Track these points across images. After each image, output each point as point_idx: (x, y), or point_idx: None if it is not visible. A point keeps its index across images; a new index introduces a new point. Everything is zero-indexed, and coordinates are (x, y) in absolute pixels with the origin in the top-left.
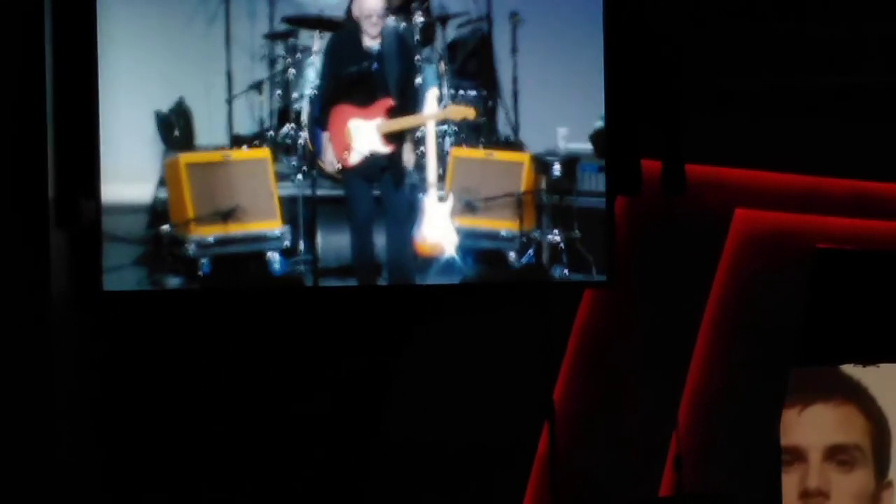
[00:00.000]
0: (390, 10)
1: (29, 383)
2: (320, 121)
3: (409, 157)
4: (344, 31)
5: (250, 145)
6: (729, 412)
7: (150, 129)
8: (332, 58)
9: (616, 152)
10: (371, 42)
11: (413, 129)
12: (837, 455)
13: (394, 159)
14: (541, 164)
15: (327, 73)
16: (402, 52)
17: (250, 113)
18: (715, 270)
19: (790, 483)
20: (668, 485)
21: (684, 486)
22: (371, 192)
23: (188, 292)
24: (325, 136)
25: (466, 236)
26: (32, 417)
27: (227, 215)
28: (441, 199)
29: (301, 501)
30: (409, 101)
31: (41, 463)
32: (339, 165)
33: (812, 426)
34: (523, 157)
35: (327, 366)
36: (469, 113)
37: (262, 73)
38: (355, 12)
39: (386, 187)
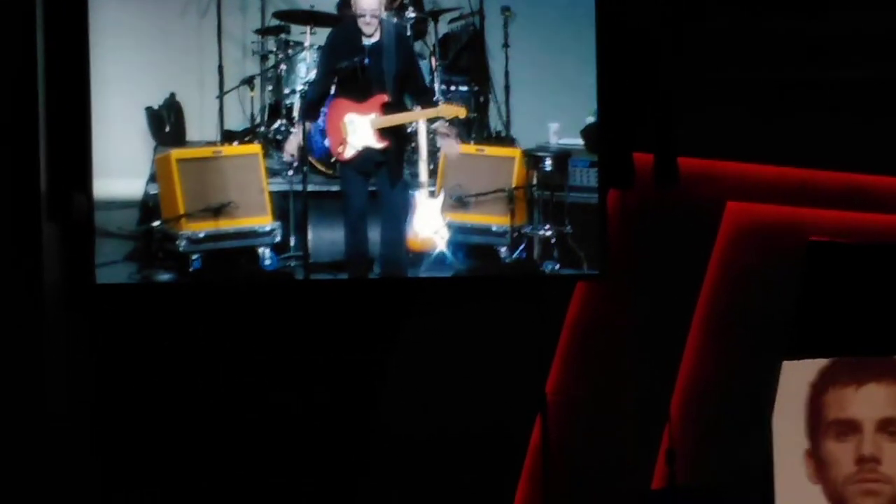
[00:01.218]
0: (384, 6)
1: (21, 375)
2: (310, 113)
3: (407, 154)
4: (343, 25)
5: (241, 141)
6: (721, 405)
7: (141, 124)
8: (331, 51)
9: (608, 145)
10: (370, 37)
11: (410, 126)
12: (889, 427)
13: (389, 155)
14: (532, 160)
15: (324, 67)
16: (401, 48)
17: (241, 108)
18: (707, 263)
19: (847, 451)
20: (661, 477)
21: (677, 479)
22: (366, 186)
23: (181, 286)
24: (318, 127)
25: (458, 231)
26: (24, 409)
27: (217, 211)
28: (432, 194)
29: (294, 495)
30: (404, 98)
31: (34, 455)
32: (331, 158)
33: (866, 401)
34: (514, 153)
35: (319, 360)
36: (461, 112)
37: (253, 68)
38: (352, 9)
39: (382, 183)
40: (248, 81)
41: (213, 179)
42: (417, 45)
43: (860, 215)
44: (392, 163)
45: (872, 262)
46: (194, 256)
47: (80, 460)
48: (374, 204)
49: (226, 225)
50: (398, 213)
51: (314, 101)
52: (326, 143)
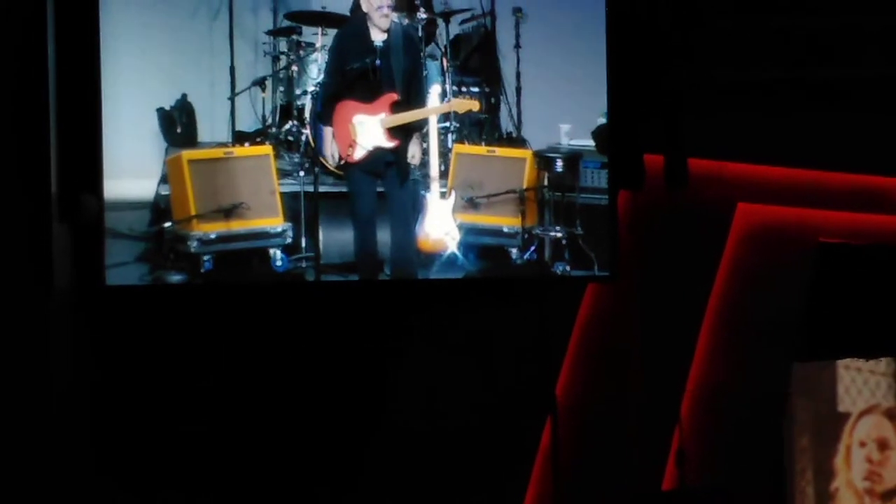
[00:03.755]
0: (393, 6)
1: (30, 377)
2: (324, 116)
3: (414, 152)
4: (350, 25)
5: (253, 142)
6: (731, 406)
7: (152, 125)
8: (338, 53)
9: (619, 146)
10: (378, 36)
11: (419, 125)
12: None
13: (399, 154)
14: (543, 161)
15: (333, 69)
16: (409, 47)
17: (253, 109)
18: (717, 264)
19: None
20: (671, 479)
21: (686, 480)
22: (375, 187)
23: (191, 287)
24: (329, 131)
25: (469, 232)
26: (33, 410)
27: (229, 212)
28: (443, 195)
29: (302, 497)
30: (413, 96)
31: (42, 456)
32: (341, 160)
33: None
34: (525, 154)
35: (329, 361)
36: (474, 105)
37: (265, 69)
38: (364, 6)
39: (390, 183)
40: (260, 83)
41: (225, 181)
42: (429, 47)
43: (871, 217)
44: (401, 162)
45: (883, 264)
46: (205, 257)
47: (88, 462)
48: (383, 205)
49: (237, 226)
50: (407, 214)
51: (326, 104)
52: (333, 146)
